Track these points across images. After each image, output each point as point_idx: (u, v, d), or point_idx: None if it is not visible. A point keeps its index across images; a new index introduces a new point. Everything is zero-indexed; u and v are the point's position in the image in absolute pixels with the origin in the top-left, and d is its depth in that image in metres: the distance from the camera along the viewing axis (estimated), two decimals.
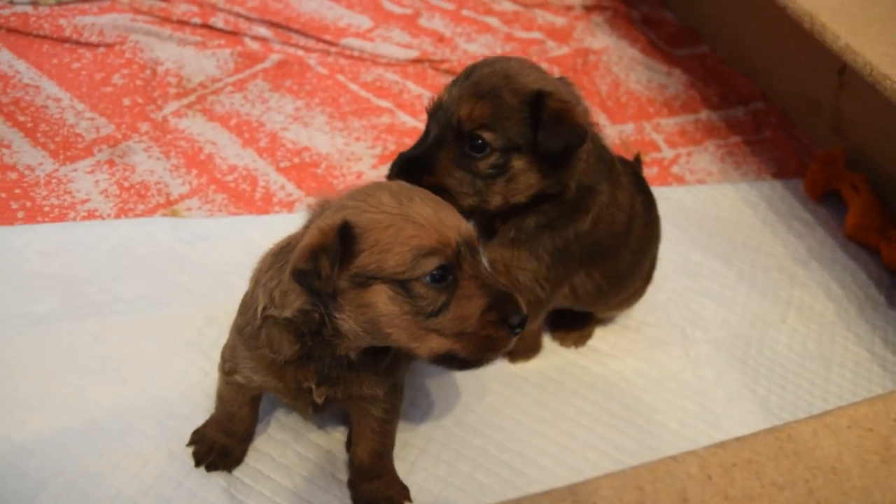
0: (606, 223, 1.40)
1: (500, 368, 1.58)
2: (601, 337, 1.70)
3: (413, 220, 0.99)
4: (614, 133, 2.23)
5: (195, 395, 1.41)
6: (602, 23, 2.69)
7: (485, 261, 1.26)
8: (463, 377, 1.53)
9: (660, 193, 2.01)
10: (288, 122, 2.00)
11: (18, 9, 2.15)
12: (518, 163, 1.26)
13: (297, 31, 2.29)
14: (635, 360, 1.69)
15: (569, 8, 2.72)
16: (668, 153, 2.23)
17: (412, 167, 1.28)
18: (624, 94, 2.40)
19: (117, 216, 1.69)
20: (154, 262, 1.60)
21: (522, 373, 1.59)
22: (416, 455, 1.41)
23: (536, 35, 2.55)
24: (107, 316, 1.48)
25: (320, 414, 1.32)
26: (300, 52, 2.24)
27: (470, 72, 1.29)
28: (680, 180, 2.15)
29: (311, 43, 2.27)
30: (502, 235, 1.37)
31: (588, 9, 2.73)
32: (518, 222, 1.35)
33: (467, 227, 1.05)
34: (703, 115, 2.41)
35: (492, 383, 1.54)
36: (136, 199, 1.73)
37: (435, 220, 1.00)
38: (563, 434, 1.51)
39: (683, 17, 2.78)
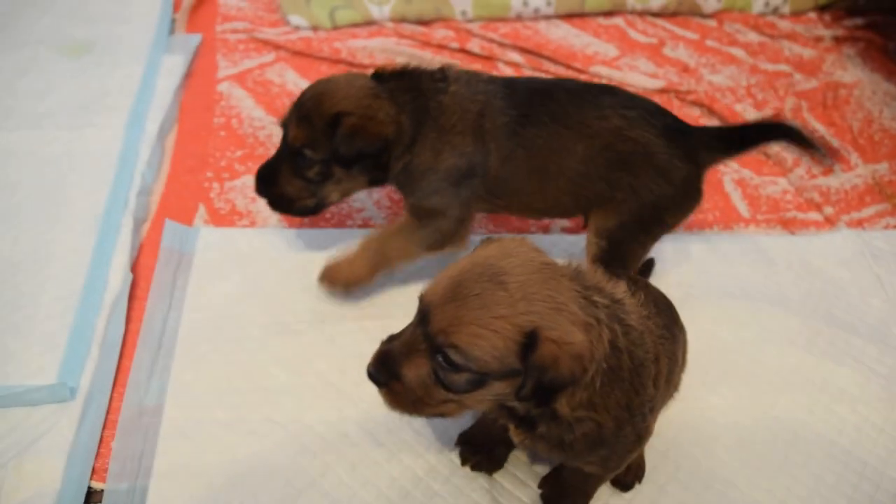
0: (448, 159, 1.52)
1: (746, 404, 1.58)
2: (852, 380, 1.65)
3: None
4: (867, 173, 2.15)
5: None
6: (854, 55, 2.60)
7: None
8: (706, 411, 1.55)
9: None
10: None
11: (302, 34, 2.39)
12: (338, 170, 1.52)
13: (547, 58, 2.39)
14: (887, 409, 1.63)
15: (818, 39, 2.64)
16: None
17: (264, 181, 1.60)
18: (877, 132, 2.31)
19: None
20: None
21: (772, 411, 1.58)
22: (664, 480, 1.44)
23: (783, 67, 2.50)
24: (384, 318, 1.63)
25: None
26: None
27: (303, 92, 1.55)
28: None
29: (562, 69, 2.36)
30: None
31: (838, 40, 2.65)
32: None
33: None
34: None
35: (740, 417, 1.55)
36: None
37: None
38: (813, 476, 1.49)
39: None
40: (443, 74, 1.56)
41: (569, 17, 2.58)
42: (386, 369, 1.10)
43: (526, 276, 1.03)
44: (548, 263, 1.08)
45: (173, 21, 2.47)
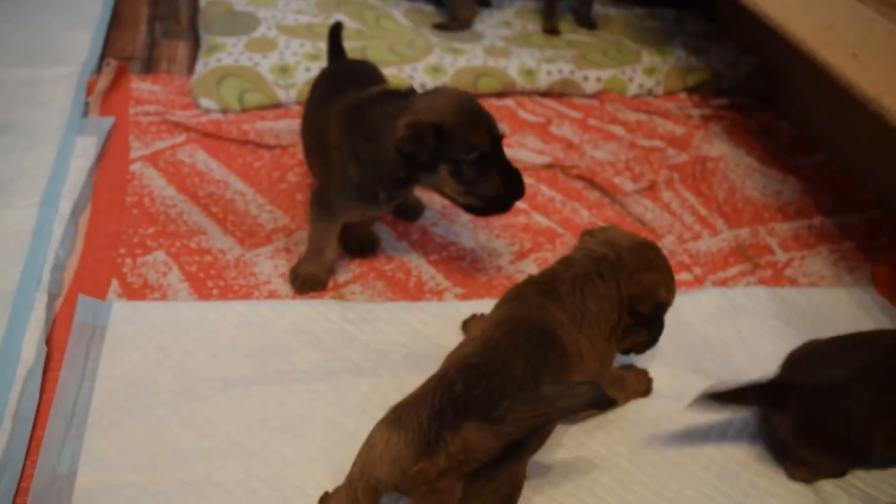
0: None
1: (623, 450, 1.74)
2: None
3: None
4: (731, 237, 2.39)
5: None
6: (720, 132, 2.89)
7: None
8: (587, 455, 1.71)
9: (773, 294, 2.18)
10: (437, 219, 2.28)
11: (212, 116, 2.53)
12: None
13: None
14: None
15: (688, 117, 2.93)
16: (781, 256, 2.37)
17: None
18: (740, 200, 2.57)
19: (293, 297, 1.97)
20: (326, 338, 1.87)
21: (647, 453, 1.74)
22: None
23: (657, 143, 2.76)
24: (289, 383, 1.75)
25: None
26: None
27: (460, 100, 1.79)
28: (793, 282, 2.28)
29: None
30: None
31: (706, 118, 2.94)
32: None
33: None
34: (817, 220, 2.54)
35: (619, 461, 1.71)
36: None
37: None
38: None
39: (799, 126, 2.95)
40: None
41: None
42: None
43: None
44: None
45: (87, 104, 2.58)
